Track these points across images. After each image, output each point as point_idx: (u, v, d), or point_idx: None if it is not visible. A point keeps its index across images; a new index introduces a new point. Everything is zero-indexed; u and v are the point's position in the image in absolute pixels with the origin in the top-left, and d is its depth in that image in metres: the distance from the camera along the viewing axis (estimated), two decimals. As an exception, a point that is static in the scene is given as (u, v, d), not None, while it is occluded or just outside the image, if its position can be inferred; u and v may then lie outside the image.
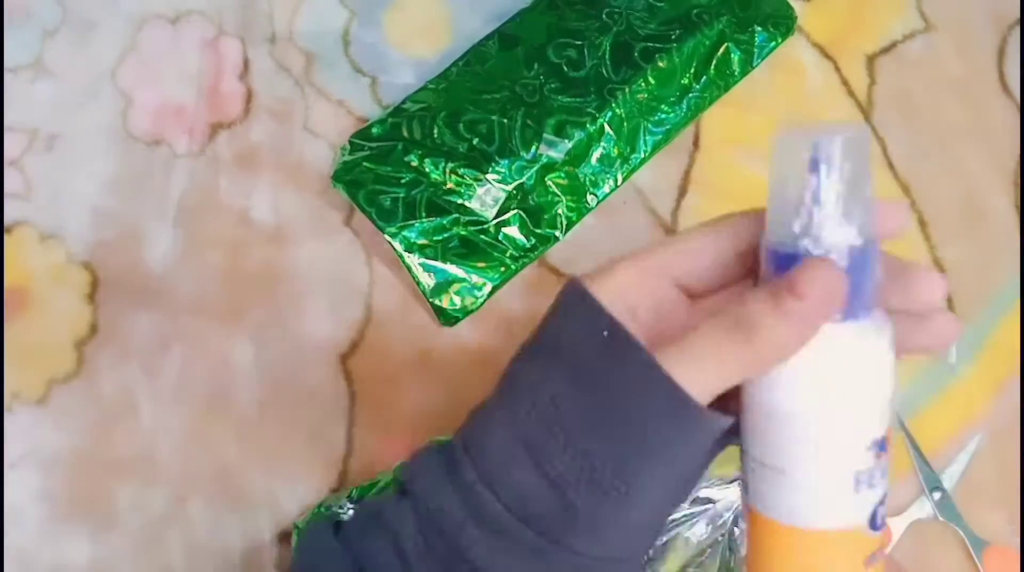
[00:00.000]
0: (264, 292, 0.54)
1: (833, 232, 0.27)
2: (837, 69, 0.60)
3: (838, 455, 0.29)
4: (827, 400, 0.28)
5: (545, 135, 0.53)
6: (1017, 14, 0.61)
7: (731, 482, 0.46)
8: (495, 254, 0.53)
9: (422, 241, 0.52)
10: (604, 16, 0.57)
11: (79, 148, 0.55)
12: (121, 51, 0.57)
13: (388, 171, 0.53)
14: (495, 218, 0.53)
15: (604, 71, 0.55)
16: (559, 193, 0.54)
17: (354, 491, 0.47)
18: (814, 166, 0.27)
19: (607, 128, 0.54)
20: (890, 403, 0.29)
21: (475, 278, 0.52)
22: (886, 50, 0.60)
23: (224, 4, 0.59)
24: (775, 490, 0.30)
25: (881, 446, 0.29)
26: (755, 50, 0.57)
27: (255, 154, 0.56)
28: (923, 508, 0.52)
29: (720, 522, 0.46)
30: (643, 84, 0.55)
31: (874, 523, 0.29)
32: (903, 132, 0.59)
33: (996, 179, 0.58)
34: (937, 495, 0.51)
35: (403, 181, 0.52)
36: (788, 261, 0.27)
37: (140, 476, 0.50)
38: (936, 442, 0.53)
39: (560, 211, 0.54)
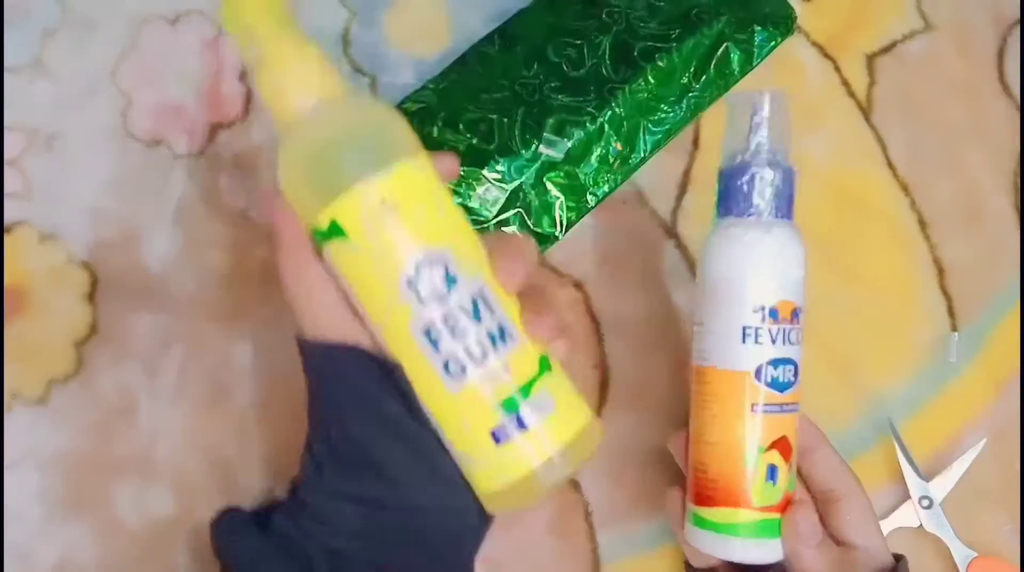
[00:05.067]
0: (263, 292, 0.54)
1: (770, 154, 0.41)
2: (837, 69, 0.60)
3: (730, 311, 0.40)
4: (730, 269, 0.41)
5: (545, 134, 0.53)
6: (1017, 14, 0.61)
7: None
8: (495, 254, 0.53)
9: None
10: (604, 15, 0.57)
11: (78, 148, 0.55)
12: (121, 51, 0.57)
13: (387, 170, 0.53)
14: (494, 217, 0.53)
15: (604, 70, 0.55)
16: (558, 192, 0.54)
17: None
18: (756, 112, 0.41)
19: (607, 127, 0.54)
20: (795, 286, 0.41)
21: (475, 278, 0.52)
22: (886, 50, 0.60)
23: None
24: (699, 340, 0.42)
25: (772, 313, 0.40)
26: (755, 50, 0.57)
27: (255, 154, 0.56)
28: (907, 517, 0.51)
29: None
30: (643, 83, 0.55)
31: (759, 376, 0.40)
32: (903, 132, 0.59)
33: (996, 179, 0.58)
34: (924, 504, 0.51)
35: (402, 180, 0.52)
36: (739, 173, 0.41)
37: (139, 476, 0.50)
38: (935, 441, 0.53)
39: (559, 211, 0.54)
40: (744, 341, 0.40)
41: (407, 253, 0.35)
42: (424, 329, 0.35)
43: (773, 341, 0.40)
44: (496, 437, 0.36)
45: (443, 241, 0.36)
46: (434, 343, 0.35)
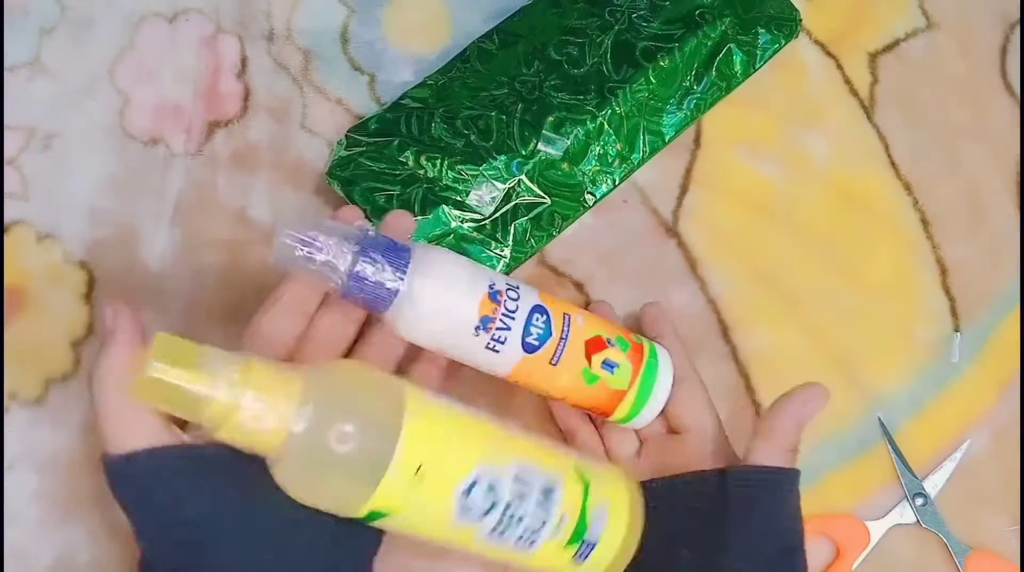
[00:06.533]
0: (262, 292, 0.53)
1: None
2: (839, 67, 0.60)
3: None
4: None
5: (544, 132, 0.53)
6: (1019, 13, 0.61)
7: None
8: (491, 252, 0.52)
9: (417, 239, 0.52)
10: (606, 14, 0.56)
11: (76, 147, 0.55)
12: (119, 49, 0.57)
13: (384, 167, 0.52)
14: (492, 215, 0.53)
15: (605, 69, 0.55)
16: (557, 191, 0.54)
17: None
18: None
19: (606, 126, 0.54)
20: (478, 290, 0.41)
21: (474, 277, 0.52)
22: (888, 48, 0.60)
23: (222, 2, 0.58)
24: None
25: (484, 324, 0.41)
26: (758, 52, 0.57)
27: (253, 153, 0.56)
28: (904, 514, 0.51)
29: None
30: (644, 83, 0.54)
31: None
32: (905, 131, 0.59)
33: (998, 178, 0.58)
34: (919, 501, 0.51)
35: (399, 178, 0.52)
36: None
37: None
38: (938, 441, 0.53)
39: (557, 209, 0.54)
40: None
41: (451, 494, 0.37)
42: (489, 534, 0.38)
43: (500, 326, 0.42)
44: (580, 558, 0.40)
45: (471, 462, 0.37)
46: (502, 536, 0.39)
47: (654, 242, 0.56)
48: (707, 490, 0.43)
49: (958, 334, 0.55)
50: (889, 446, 0.52)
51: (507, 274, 0.53)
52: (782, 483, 0.43)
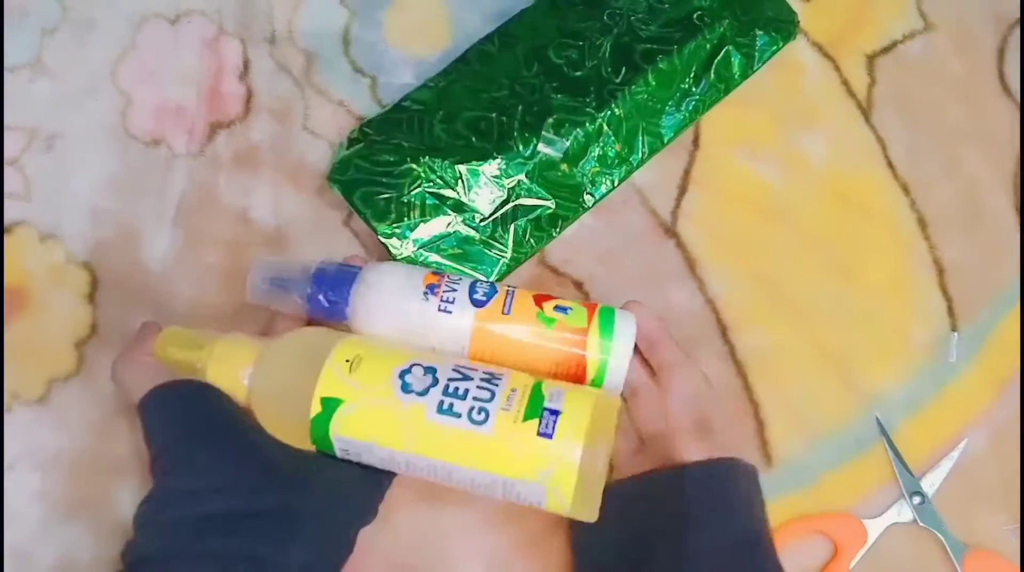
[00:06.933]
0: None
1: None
2: (837, 69, 0.60)
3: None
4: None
5: (544, 133, 0.53)
6: (1017, 14, 0.61)
7: None
8: (491, 253, 0.53)
9: (416, 241, 0.52)
10: (605, 17, 0.57)
11: (78, 148, 0.55)
12: (121, 50, 0.57)
13: (384, 169, 0.53)
14: (491, 216, 0.53)
15: (604, 72, 0.55)
16: (556, 192, 0.54)
17: None
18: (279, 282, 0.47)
19: (606, 128, 0.54)
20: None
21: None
22: (886, 50, 0.60)
23: (224, 4, 0.58)
24: None
25: (431, 289, 0.46)
26: (756, 54, 0.57)
27: (255, 154, 0.56)
28: (902, 512, 0.52)
29: None
30: (643, 85, 0.55)
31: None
32: (903, 132, 0.59)
33: (996, 179, 0.58)
34: (917, 500, 0.52)
35: (399, 179, 0.52)
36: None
37: (140, 476, 0.50)
38: (935, 441, 0.53)
39: (556, 210, 0.54)
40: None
41: (389, 374, 0.42)
42: (437, 409, 0.41)
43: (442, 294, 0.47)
44: (545, 434, 0.40)
45: (405, 357, 0.43)
46: (451, 412, 0.41)
47: (653, 242, 0.56)
48: (671, 485, 0.44)
49: (955, 334, 0.55)
50: (887, 445, 0.53)
51: (507, 274, 0.53)
52: (728, 475, 0.44)
